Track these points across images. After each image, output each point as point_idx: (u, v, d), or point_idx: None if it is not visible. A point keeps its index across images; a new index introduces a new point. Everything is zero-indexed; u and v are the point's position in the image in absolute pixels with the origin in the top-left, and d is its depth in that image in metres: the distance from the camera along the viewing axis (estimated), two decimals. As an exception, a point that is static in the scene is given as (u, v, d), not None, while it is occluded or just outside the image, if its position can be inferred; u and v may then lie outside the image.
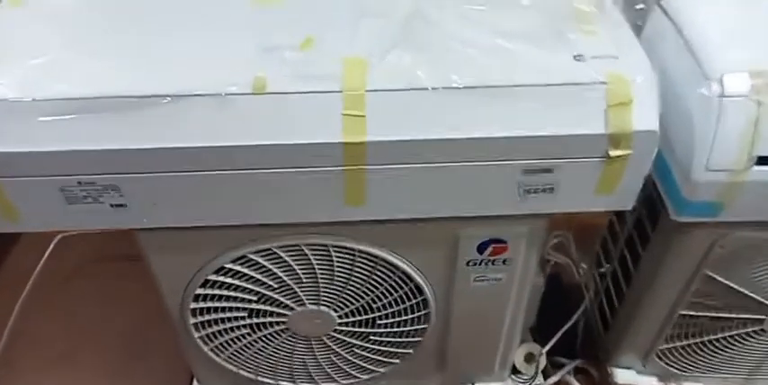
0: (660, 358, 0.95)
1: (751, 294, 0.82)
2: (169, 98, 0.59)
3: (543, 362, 1.00)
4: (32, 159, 0.60)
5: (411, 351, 0.89)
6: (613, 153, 0.60)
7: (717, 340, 0.90)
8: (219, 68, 0.61)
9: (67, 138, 0.60)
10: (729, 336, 0.90)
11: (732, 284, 0.81)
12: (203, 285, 0.78)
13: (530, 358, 0.99)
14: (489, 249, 0.75)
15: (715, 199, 0.66)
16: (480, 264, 0.77)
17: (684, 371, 0.97)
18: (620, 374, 0.99)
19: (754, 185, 0.65)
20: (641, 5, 0.76)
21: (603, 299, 1.02)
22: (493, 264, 0.77)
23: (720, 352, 0.92)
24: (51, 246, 1.15)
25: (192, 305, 0.81)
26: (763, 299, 0.83)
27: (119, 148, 0.60)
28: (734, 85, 0.61)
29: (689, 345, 0.92)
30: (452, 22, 0.65)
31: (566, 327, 0.97)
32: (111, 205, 0.65)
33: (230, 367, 0.91)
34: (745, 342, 0.90)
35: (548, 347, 0.99)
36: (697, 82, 0.63)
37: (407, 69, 0.60)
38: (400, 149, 0.60)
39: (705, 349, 0.92)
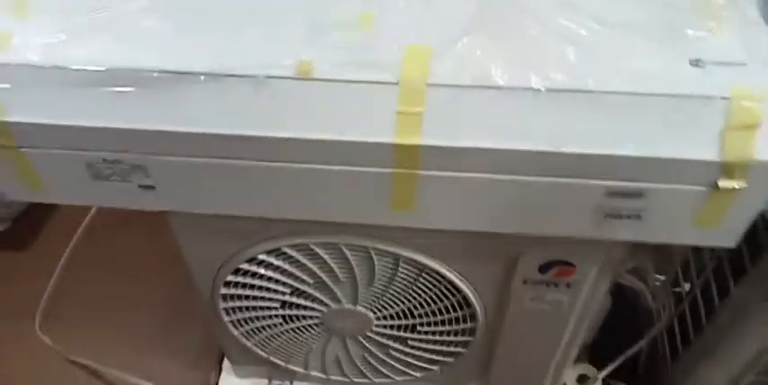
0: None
1: None
2: (203, 77, 0.52)
3: (598, 386, 0.91)
4: (56, 132, 0.55)
5: (452, 360, 0.82)
6: (723, 184, 0.49)
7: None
8: (263, 46, 0.53)
9: (92, 113, 0.54)
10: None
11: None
12: (235, 272, 0.73)
13: (582, 379, 0.90)
14: (553, 270, 0.65)
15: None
16: (540, 284, 0.67)
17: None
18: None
19: None
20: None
21: (676, 324, 0.91)
22: (555, 285, 0.67)
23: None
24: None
25: (223, 290, 0.76)
26: None
27: (144, 129, 0.54)
28: None
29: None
30: (543, 5, 0.54)
31: (628, 354, 0.87)
32: (139, 186, 0.59)
33: (261, 353, 0.87)
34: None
35: (605, 373, 0.89)
36: None
37: (480, 62, 0.50)
38: (460, 157, 0.51)
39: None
